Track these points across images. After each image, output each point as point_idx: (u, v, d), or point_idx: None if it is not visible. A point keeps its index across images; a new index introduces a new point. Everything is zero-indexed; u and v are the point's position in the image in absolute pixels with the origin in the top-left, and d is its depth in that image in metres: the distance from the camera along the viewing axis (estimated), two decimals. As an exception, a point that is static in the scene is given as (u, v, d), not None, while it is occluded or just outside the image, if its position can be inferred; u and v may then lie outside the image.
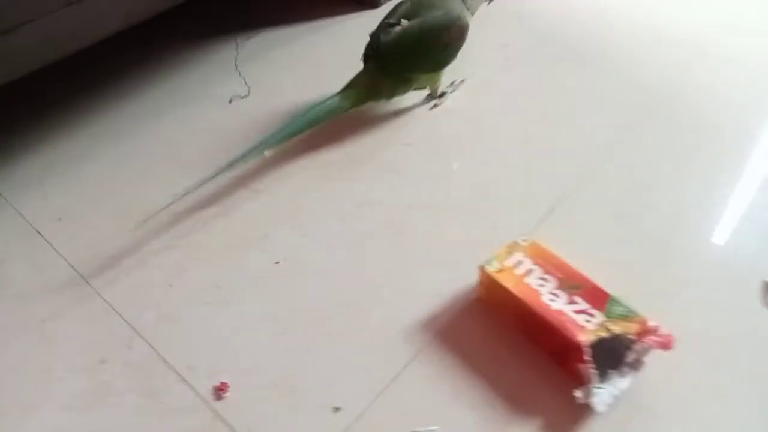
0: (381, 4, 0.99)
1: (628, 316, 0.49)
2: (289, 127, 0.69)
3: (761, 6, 0.96)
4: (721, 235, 0.63)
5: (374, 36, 0.73)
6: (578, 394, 0.47)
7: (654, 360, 0.49)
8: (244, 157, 0.66)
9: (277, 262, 0.61)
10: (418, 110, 0.79)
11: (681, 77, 0.82)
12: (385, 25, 0.72)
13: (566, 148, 0.72)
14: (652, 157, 0.71)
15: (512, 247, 0.55)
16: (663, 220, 0.64)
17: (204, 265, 0.61)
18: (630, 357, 0.49)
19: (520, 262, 0.54)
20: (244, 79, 0.84)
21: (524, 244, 0.56)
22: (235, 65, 0.87)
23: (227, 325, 0.56)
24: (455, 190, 0.68)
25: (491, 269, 0.54)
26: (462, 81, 0.81)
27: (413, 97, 0.79)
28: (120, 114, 0.80)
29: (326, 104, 0.70)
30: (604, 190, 0.67)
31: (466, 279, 0.57)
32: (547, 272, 0.53)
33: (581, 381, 0.48)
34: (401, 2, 0.74)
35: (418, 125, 0.77)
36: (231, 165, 0.66)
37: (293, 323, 0.56)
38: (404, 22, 0.71)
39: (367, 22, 0.97)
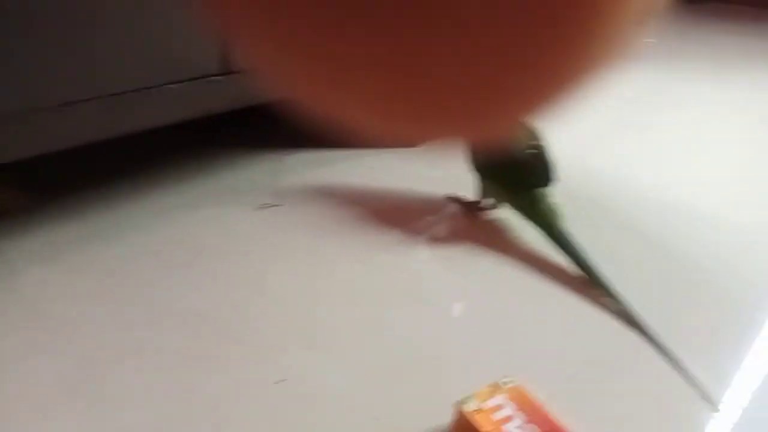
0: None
1: (610, 487, 0.44)
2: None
3: None
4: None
5: (547, 161, 0.79)
6: None
7: None
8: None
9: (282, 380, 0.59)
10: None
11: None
12: (541, 150, 0.79)
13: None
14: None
15: (494, 389, 0.52)
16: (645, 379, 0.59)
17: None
18: None
19: (500, 406, 0.50)
20: (276, 189, 0.90)
21: (506, 387, 0.52)
22: (271, 176, 0.93)
23: None
24: (448, 329, 0.67)
25: (468, 409, 0.50)
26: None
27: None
28: (148, 203, 0.87)
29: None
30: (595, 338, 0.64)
31: (441, 417, 0.53)
32: (529, 422, 0.49)
33: None
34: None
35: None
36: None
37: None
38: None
39: (401, 156, 1.04)
